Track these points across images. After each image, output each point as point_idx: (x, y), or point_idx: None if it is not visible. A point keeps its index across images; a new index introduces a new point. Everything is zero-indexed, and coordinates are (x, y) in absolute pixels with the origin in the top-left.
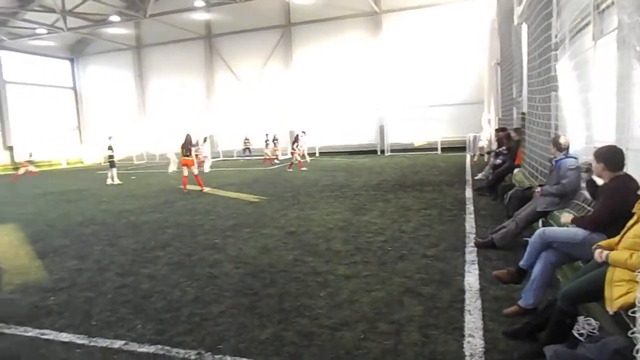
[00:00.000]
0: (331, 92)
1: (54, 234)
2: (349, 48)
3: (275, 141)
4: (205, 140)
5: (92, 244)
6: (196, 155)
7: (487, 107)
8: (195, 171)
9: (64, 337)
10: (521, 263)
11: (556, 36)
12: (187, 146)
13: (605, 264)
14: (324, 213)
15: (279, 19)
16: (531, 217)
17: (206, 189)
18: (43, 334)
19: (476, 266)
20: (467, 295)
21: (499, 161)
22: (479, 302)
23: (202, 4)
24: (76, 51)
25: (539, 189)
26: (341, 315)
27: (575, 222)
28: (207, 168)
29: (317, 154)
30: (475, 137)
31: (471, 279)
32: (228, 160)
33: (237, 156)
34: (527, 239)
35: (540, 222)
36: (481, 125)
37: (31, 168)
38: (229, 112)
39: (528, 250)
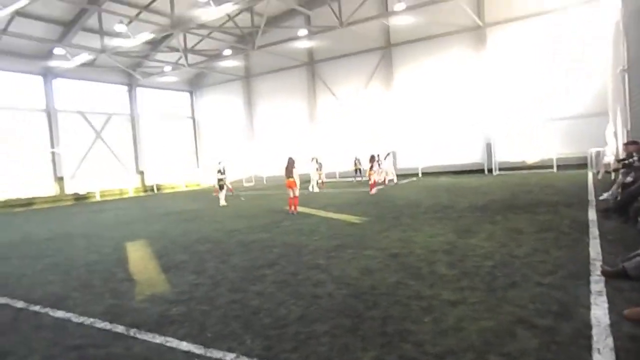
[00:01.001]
0: (434, 110)
1: (175, 250)
2: (451, 65)
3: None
4: (313, 161)
5: (206, 261)
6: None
7: (613, 119)
8: (297, 193)
9: (184, 346)
10: None
11: None
12: (290, 168)
13: None
14: (427, 235)
15: (379, 41)
16: None
17: (305, 210)
18: (167, 342)
19: (604, 298)
20: (594, 332)
21: (629, 179)
22: (610, 340)
23: (305, 32)
24: (194, 84)
25: None
26: (446, 343)
27: None
28: (315, 188)
29: (420, 174)
30: (598, 153)
31: (599, 312)
32: (340, 180)
33: (348, 178)
34: None
35: None
36: (605, 139)
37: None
38: (332, 134)
39: None
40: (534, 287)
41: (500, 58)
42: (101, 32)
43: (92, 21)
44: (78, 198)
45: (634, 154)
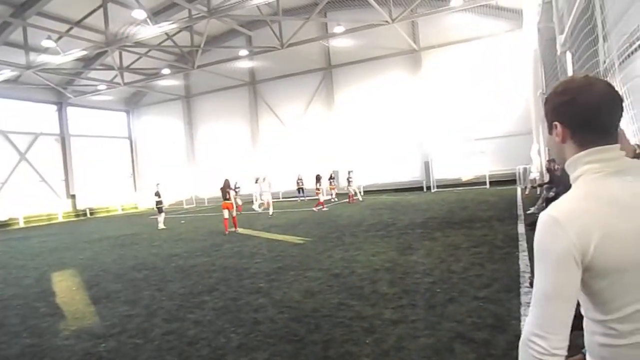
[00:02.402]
0: (374, 130)
1: (108, 278)
2: (389, 86)
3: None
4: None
5: (142, 289)
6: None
7: (536, 138)
8: (234, 213)
9: None
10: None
11: (604, 62)
12: (225, 189)
13: None
14: (370, 253)
15: (320, 63)
16: None
17: (247, 231)
18: None
19: None
20: None
21: (552, 194)
22: None
23: (246, 52)
24: (131, 103)
25: None
26: None
27: None
28: (256, 207)
29: (362, 193)
30: (525, 169)
31: None
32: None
33: (291, 197)
34: None
35: None
36: (530, 157)
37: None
38: (275, 155)
39: None
40: (471, 301)
41: (435, 80)
42: (26, 47)
43: (17, 35)
44: None
45: (554, 167)
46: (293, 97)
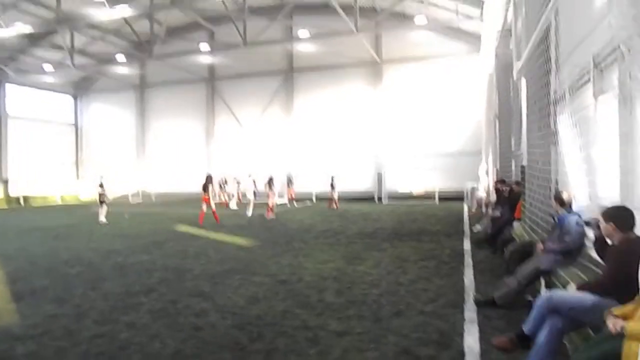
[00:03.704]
0: (330, 138)
1: (35, 273)
2: (349, 96)
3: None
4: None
5: (73, 286)
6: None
7: (485, 159)
8: (213, 207)
9: None
10: (525, 329)
11: (555, 92)
12: (206, 185)
13: (620, 335)
14: (318, 261)
15: (281, 65)
16: (533, 275)
17: (193, 231)
18: None
19: (476, 326)
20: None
21: (497, 213)
22: None
23: (207, 48)
24: (80, 88)
25: (540, 245)
26: None
27: (582, 288)
28: (233, 205)
29: (314, 199)
30: (473, 188)
31: (471, 340)
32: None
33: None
34: (530, 299)
35: (542, 280)
36: (478, 175)
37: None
38: (230, 154)
39: (533, 315)
40: (417, 315)
41: (394, 94)
42: None
43: None
44: None
45: (502, 188)
46: (252, 97)
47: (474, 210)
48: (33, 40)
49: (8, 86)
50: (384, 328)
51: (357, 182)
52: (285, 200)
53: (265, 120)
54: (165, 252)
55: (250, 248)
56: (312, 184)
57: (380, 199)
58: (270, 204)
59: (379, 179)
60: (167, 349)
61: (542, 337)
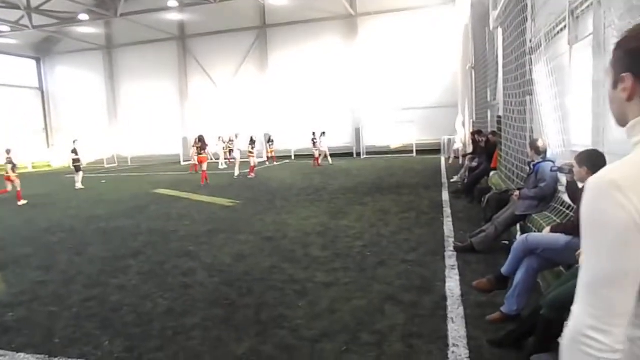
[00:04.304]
0: (307, 94)
1: (15, 242)
2: (324, 51)
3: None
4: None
5: (57, 253)
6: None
7: (462, 110)
8: (205, 167)
9: (22, 357)
10: (503, 270)
11: (531, 41)
12: (202, 145)
13: None
14: (301, 217)
15: (254, 21)
16: (510, 221)
17: (174, 193)
18: None
19: (456, 271)
20: (449, 302)
21: (474, 164)
22: (461, 309)
23: (176, 4)
24: (43, 50)
25: (517, 192)
26: (321, 326)
27: (555, 229)
28: (222, 165)
29: (293, 157)
30: (449, 140)
31: (452, 284)
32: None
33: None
34: (506, 242)
35: (518, 225)
36: (455, 128)
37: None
38: (204, 114)
39: (510, 257)
40: (400, 264)
41: (370, 47)
42: None
43: None
44: None
45: (479, 139)
46: (225, 55)
47: (451, 161)
48: None
49: None
50: (369, 277)
51: (336, 138)
52: (264, 159)
53: (240, 79)
54: (148, 215)
55: (233, 207)
56: (291, 142)
57: (359, 154)
58: (252, 164)
59: (357, 134)
60: (159, 308)
61: (518, 276)
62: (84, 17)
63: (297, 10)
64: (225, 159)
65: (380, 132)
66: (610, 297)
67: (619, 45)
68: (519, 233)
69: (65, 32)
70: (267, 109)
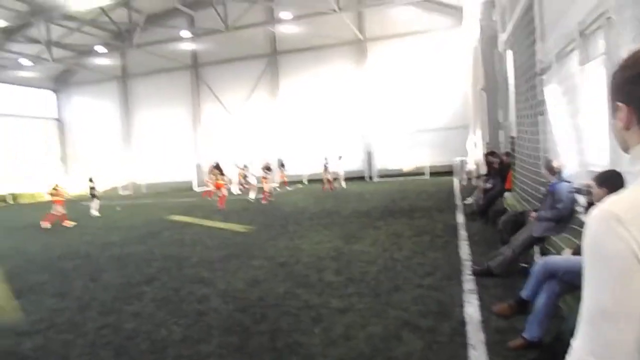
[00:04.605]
0: (318, 119)
1: (32, 269)
2: (334, 76)
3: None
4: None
5: (73, 280)
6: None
7: (474, 131)
8: (225, 192)
9: None
10: (523, 294)
11: (541, 61)
12: (215, 171)
13: None
14: (314, 242)
15: (265, 48)
16: (527, 243)
17: (187, 219)
18: None
19: (475, 295)
20: (468, 328)
21: (489, 185)
22: (481, 335)
23: (188, 34)
24: (61, 82)
25: (533, 213)
26: (337, 353)
27: (576, 251)
28: (235, 190)
29: (306, 181)
30: (462, 162)
31: (471, 309)
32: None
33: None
34: (524, 265)
35: (536, 247)
36: (467, 149)
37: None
38: (217, 142)
39: (530, 280)
40: (415, 289)
41: (380, 71)
42: None
43: None
44: None
45: (492, 160)
46: (237, 82)
47: (464, 183)
48: (7, 34)
49: None
50: (383, 303)
51: (348, 161)
52: (276, 184)
53: (252, 105)
54: (162, 241)
55: (246, 233)
56: (303, 167)
57: (371, 177)
58: (267, 189)
59: (369, 157)
60: (174, 336)
61: (540, 301)
62: (100, 49)
63: (307, 37)
64: (239, 184)
65: (392, 155)
66: (612, 333)
67: (615, 74)
68: (537, 255)
69: (82, 64)
70: (278, 134)
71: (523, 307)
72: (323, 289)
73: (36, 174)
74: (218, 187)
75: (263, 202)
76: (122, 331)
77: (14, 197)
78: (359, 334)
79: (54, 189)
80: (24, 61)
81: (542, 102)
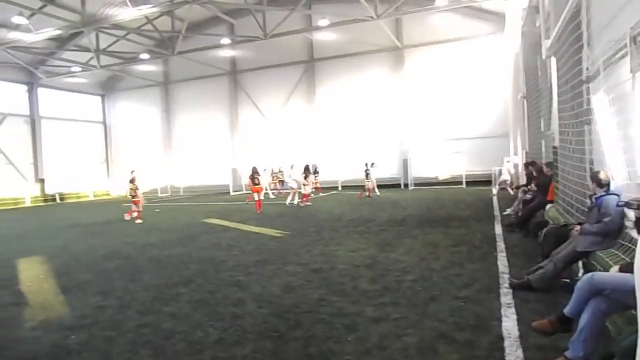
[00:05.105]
0: (354, 126)
1: (78, 267)
2: (371, 83)
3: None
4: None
5: (114, 279)
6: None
7: (513, 140)
8: (261, 197)
9: None
10: (566, 310)
11: (588, 69)
12: (254, 176)
13: None
14: (350, 249)
15: (302, 55)
16: (571, 257)
17: (224, 223)
18: None
19: (513, 310)
20: (506, 344)
21: (529, 196)
22: (520, 351)
23: (228, 41)
24: (107, 87)
25: (577, 227)
26: None
27: (625, 268)
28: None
29: (340, 188)
30: (501, 171)
31: (509, 324)
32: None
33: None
34: (567, 280)
35: (580, 263)
36: (505, 158)
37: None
38: (254, 146)
39: (574, 297)
40: (452, 300)
41: (417, 78)
42: None
43: None
44: None
45: (534, 172)
46: (274, 89)
47: (495, 192)
48: (60, 43)
49: (40, 90)
50: (419, 313)
51: (383, 169)
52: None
53: (288, 111)
54: (199, 244)
55: (281, 238)
56: (338, 173)
57: (406, 185)
58: (306, 192)
59: (405, 165)
60: (209, 338)
61: (584, 319)
62: (144, 56)
63: (344, 44)
64: (274, 189)
65: (428, 163)
66: None
67: None
68: (581, 271)
69: (128, 71)
70: (314, 140)
71: (565, 324)
72: (358, 297)
73: (81, 175)
74: (255, 192)
75: (302, 204)
76: (160, 331)
77: (61, 197)
78: (394, 344)
79: (131, 188)
80: (75, 68)
81: (588, 111)
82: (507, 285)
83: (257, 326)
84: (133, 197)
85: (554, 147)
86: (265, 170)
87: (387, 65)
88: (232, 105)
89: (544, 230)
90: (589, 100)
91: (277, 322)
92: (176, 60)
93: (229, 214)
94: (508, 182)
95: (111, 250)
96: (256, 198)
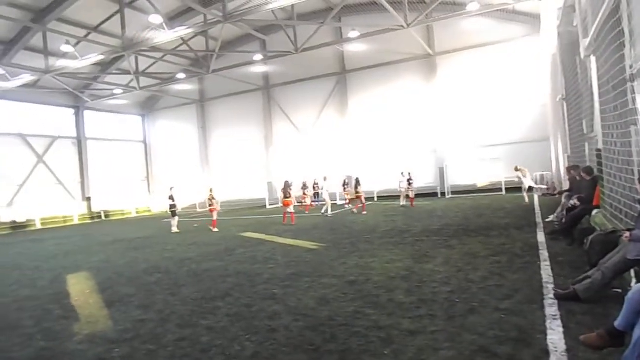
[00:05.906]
0: (388, 136)
1: (120, 282)
2: (404, 91)
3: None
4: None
5: (155, 293)
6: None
7: (554, 144)
8: (292, 209)
9: None
10: (617, 324)
11: (631, 67)
12: (286, 190)
13: None
14: (385, 261)
15: (334, 67)
16: (621, 266)
17: (260, 236)
18: None
19: (559, 322)
20: (552, 358)
21: (572, 202)
22: None
23: (261, 57)
24: (146, 107)
25: (627, 233)
26: None
27: None
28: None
29: (376, 199)
30: (542, 176)
31: (555, 337)
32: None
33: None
34: (617, 290)
35: (632, 272)
36: (551, 162)
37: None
38: (289, 160)
39: (626, 308)
40: (492, 312)
41: (450, 85)
42: (45, 52)
43: (36, 40)
44: (15, 227)
45: (577, 177)
46: (307, 102)
47: (527, 201)
48: (103, 67)
49: (86, 112)
50: (457, 326)
51: (419, 178)
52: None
53: (322, 123)
54: (235, 258)
55: (316, 250)
56: (373, 184)
57: (443, 193)
58: (362, 201)
59: (441, 173)
60: (246, 351)
61: (637, 333)
62: (181, 76)
63: (375, 54)
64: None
65: (465, 170)
66: None
67: None
68: (633, 280)
69: (165, 91)
70: (348, 151)
71: (616, 338)
72: (393, 310)
73: (124, 193)
74: (286, 205)
75: (354, 211)
76: (198, 344)
77: (106, 214)
78: (431, 358)
79: (210, 198)
80: (117, 91)
81: (634, 111)
82: (551, 296)
83: (292, 339)
84: (210, 206)
85: (598, 150)
86: (325, 179)
87: (420, 73)
88: (267, 120)
89: (591, 238)
90: (633, 99)
91: (313, 336)
92: (211, 78)
93: (265, 227)
94: (537, 186)
95: (152, 265)
96: (290, 210)
